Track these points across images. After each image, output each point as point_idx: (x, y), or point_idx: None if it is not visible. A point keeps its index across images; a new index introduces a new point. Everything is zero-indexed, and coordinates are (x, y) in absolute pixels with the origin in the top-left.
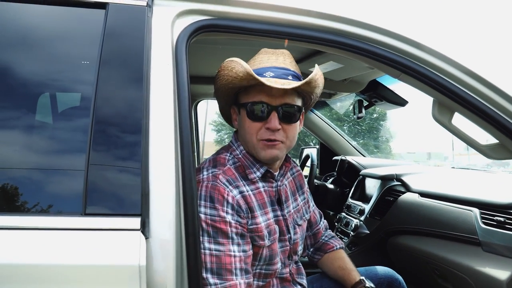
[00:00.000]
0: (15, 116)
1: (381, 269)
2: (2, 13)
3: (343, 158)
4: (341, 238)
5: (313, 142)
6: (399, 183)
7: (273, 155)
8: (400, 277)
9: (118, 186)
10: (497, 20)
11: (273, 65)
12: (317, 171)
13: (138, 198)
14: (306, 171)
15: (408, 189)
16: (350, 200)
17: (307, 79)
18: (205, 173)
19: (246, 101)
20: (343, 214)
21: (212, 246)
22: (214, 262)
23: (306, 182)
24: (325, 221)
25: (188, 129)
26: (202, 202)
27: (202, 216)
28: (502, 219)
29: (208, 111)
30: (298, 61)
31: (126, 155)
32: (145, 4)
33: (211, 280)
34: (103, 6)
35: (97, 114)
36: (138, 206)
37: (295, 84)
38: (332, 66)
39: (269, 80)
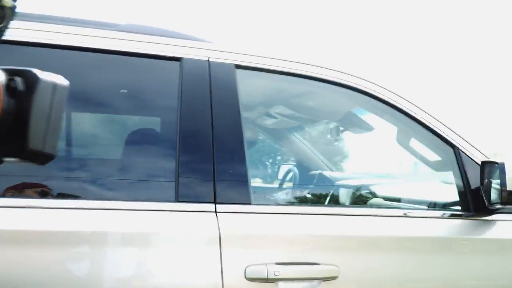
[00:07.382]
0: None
1: None
2: (98, 66)
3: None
4: None
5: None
6: None
7: None
8: None
9: (198, 183)
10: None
11: None
12: None
13: (212, 191)
14: None
15: None
16: None
17: None
18: None
19: None
20: None
21: None
22: None
23: None
24: None
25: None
26: None
27: None
28: None
29: None
30: None
31: (199, 164)
32: (206, 59)
33: None
34: (178, 59)
35: (181, 131)
36: (212, 196)
37: None
38: None
39: None
